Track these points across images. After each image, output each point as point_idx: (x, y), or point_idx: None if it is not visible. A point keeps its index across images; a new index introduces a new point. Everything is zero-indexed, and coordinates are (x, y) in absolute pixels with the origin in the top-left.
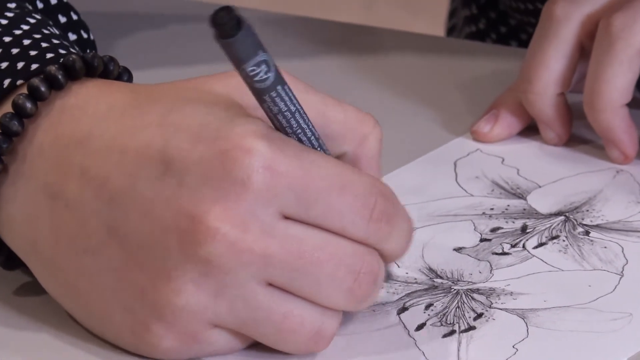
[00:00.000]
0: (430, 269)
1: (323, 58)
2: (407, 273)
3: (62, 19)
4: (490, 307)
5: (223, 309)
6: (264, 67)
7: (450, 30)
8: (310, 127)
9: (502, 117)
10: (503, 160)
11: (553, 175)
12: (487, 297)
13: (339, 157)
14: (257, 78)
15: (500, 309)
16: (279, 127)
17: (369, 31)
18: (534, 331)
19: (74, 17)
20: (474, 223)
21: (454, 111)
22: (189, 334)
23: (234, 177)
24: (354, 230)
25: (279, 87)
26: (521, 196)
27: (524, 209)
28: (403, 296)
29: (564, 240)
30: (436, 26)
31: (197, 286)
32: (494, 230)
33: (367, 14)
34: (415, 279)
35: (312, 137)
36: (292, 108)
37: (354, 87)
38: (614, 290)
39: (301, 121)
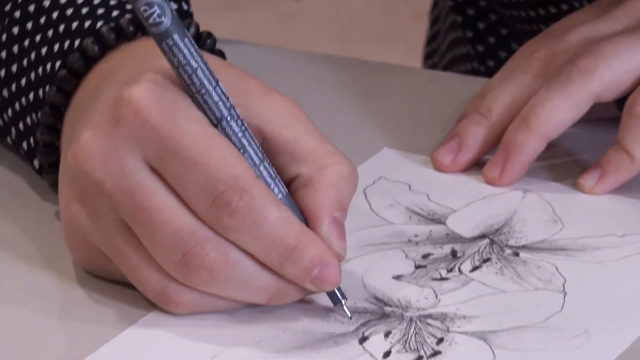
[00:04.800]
0: (377, 298)
1: (299, 90)
2: (355, 303)
3: None
4: (448, 331)
5: (96, 236)
6: (156, 9)
7: (429, 55)
8: (220, 94)
9: (466, 144)
10: (410, 186)
11: (463, 199)
12: (441, 322)
13: (294, 178)
14: (151, 20)
15: (459, 333)
16: (184, 85)
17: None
18: (500, 352)
19: None
20: (403, 251)
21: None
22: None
23: (115, 115)
24: (196, 208)
25: (175, 36)
26: (440, 221)
27: (447, 234)
28: (359, 326)
29: (496, 263)
30: (412, 59)
31: (80, 204)
32: (425, 256)
33: (341, 49)
34: (365, 308)
35: (220, 103)
36: (194, 64)
37: (328, 118)
38: (562, 309)
39: (206, 82)
